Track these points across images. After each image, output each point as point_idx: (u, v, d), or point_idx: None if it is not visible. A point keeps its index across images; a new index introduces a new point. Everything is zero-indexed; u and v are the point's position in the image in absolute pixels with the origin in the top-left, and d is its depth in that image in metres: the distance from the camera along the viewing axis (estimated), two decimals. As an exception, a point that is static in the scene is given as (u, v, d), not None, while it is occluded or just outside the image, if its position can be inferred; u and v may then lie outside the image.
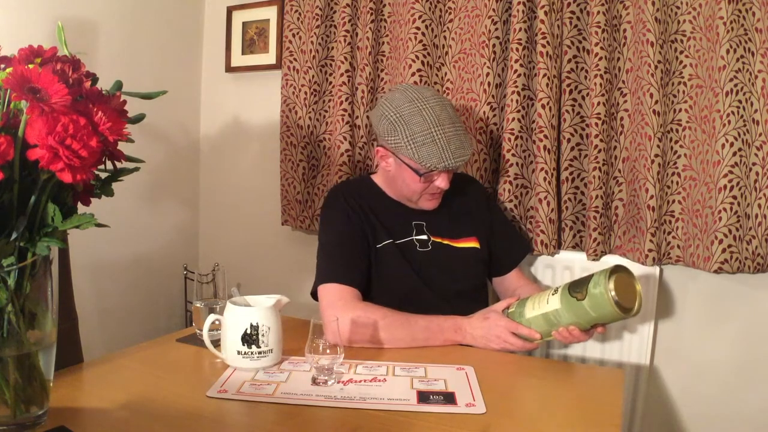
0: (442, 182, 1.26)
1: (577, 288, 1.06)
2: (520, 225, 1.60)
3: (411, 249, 1.32)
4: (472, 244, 1.37)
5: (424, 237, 1.34)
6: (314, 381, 0.93)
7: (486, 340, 1.15)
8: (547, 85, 1.49)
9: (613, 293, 1.00)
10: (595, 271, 1.06)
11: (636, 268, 1.49)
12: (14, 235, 0.65)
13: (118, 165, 0.74)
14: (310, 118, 1.87)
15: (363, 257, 1.28)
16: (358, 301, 1.21)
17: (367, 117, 1.76)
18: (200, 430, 0.78)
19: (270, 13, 2.00)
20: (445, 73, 1.69)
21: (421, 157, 1.21)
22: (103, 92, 0.72)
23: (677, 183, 1.44)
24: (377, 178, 1.40)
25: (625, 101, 1.49)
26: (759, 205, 1.32)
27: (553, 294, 1.10)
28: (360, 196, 1.35)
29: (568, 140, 1.53)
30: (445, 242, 1.35)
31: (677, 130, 1.43)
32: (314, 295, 1.28)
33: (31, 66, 0.62)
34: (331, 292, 1.22)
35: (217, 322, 1.02)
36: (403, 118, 1.23)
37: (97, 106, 0.66)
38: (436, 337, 1.16)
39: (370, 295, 1.27)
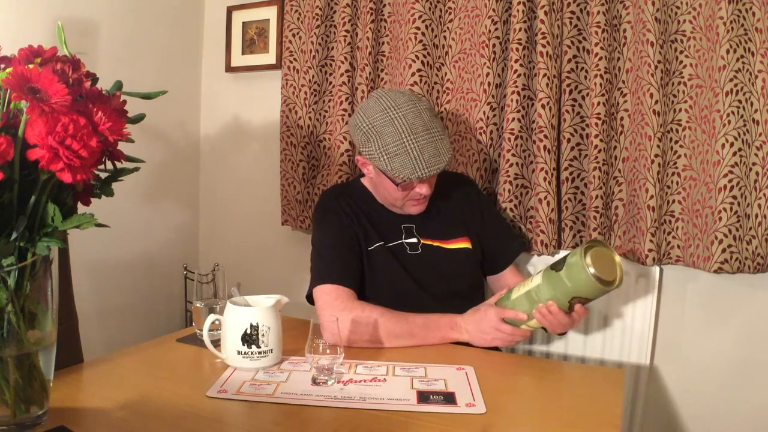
0: (422, 189, 1.25)
1: (558, 263, 1.09)
2: (520, 225, 1.60)
3: (402, 252, 1.32)
4: (464, 244, 1.36)
5: (414, 240, 1.33)
6: (314, 381, 0.93)
7: (480, 333, 1.15)
8: (547, 85, 1.49)
9: (588, 261, 1.02)
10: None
11: (636, 268, 1.49)
12: (14, 235, 0.65)
13: (118, 165, 0.74)
14: (310, 118, 1.87)
15: (356, 259, 1.28)
16: (356, 301, 1.21)
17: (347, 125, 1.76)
18: (200, 430, 0.78)
19: (270, 13, 2.00)
20: (445, 73, 1.69)
21: (394, 169, 1.20)
22: (103, 92, 0.72)
23: (677, 183, 1.44)
24: (366, 182, 1.40)
25: (625, 101, 1.48)
26: (759, 205, 1.32)
27: (537, 274, 1.12)
28: (351, 198, 1.35)
29: (568, 140, 1.53)
30: (436, 244, 1.34)
31: (677, 130, 1.43)
32: (309, 298, 1.28)
33: (31, 66, 0.62)
34: (327, 292, 1.22)
35: (217, 322, 1.02)
36: (375, 129, 1.22)
37: (97, 106, 0.66)
38: (434, 334, 1.16)
39: (364, 297, 1.27)
